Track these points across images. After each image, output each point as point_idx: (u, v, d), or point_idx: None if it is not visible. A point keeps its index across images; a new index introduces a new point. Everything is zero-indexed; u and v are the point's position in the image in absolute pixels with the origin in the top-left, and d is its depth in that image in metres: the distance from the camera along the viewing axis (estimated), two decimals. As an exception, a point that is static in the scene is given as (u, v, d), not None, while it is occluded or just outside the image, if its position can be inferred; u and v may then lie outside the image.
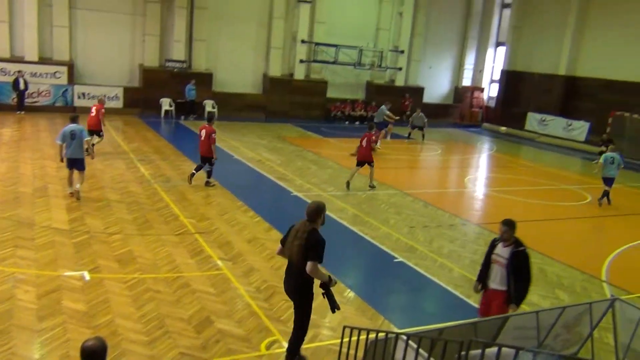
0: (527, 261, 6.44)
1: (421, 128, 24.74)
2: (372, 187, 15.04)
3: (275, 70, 27.76)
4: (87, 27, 24.04)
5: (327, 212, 12.23)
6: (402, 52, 30.35)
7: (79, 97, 23.50)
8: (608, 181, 15.28)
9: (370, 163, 14.90)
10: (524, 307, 8.32)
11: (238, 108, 26.59)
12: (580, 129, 26.97)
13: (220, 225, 11.04)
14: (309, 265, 5.78)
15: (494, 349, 4.08)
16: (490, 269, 6.56)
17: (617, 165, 15.23)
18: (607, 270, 10.47)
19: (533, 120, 29.28)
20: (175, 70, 25.20)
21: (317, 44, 27.98)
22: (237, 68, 27.30)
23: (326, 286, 5.88)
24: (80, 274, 8.19)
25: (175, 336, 6.72)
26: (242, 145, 19.73)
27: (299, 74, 28.11)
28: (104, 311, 7.16)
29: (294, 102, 27.81)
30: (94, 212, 11.10)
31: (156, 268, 8.69)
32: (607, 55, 26.35)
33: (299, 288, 6.06)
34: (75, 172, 11.84)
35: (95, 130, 15.80)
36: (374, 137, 15.36)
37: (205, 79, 25.71)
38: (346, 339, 5.85)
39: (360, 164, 14.91)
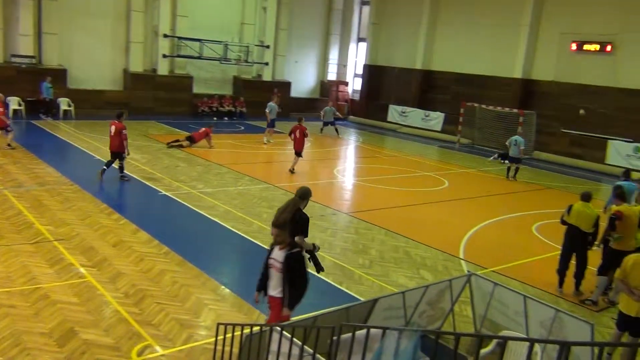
0: (300, 263, 6.10)
1: (332, 123, 25.17)
2: (291, 171, 16.79)
3: (137, 66, 26.59)
4: None
5: (198, 210, 12.11)
6: (268, 47, 30.46)
7: None
8: (513, 159, 18.81)
9: (300, 153, 16.81)
10: (391, 288, 8.77)
11: (98, 106, 25.10)
12: (436, 119, 28.88)
13: (82, 230, 10.36)
14: (296, 238, 6.44)
15: (364, 331, 4.23)
16: (270, 274, 6.16)
17: (518, 146, 18.48)
18: (464, 248, 11.33)
19: (394, 112, 30.83)
20: (23, 66, 23.20)
21: (181, 38, 27.21)
22: (95, 63, 25.79)
23: (311, 252, 6.69)
24: None
25: (35, 352, 6.21)
26: (103, 144, 18.61)
27: (163, 69, 27.16)
28: (-52, 334, 6.43)
29: (158, 99, 26.82)
30: None
31: (9, 281, 7.95)
32: (457, 51, 28.48)
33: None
34: None
35: (2, 127, 16.46)
36: (306, 132, 16.93)
37: (58, 76, 23.94)
38: (221, 337, 5.77)
39: (298, 153, 16.82)
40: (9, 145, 16.58)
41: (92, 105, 24.91)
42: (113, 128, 13.81)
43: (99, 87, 25.78)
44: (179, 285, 8.33)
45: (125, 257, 9.26)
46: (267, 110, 22.35)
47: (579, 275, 9.25)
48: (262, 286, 6.24)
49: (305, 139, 17.01)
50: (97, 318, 7.13)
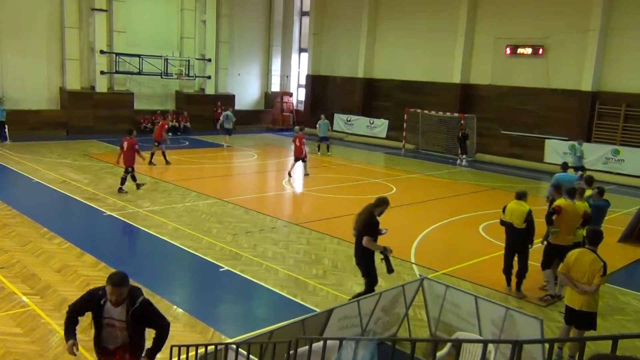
0: (153, 308, 5.07)
1: (326, 139, 24.44)
2: (306, 174, 18.58)
3: (74, 84, 25.82)
4: None
5: (145, 230, 11.82)
6: (210, 60, 30.21)
7: None
8: (578, 168, 18.61)
9: (304, 159, 18.40)
10: (346, 297, 8.78)
11: (34, 126, 24.24)
12: (381, 126, 29.29)
13: (23, 257, 9.93)
14: (364, 239, 7.74)
15: (320, 343, 4.21)
16: (109, 335, 5.08)
17: (577, 155, 18.70)
18: (415, 252, 11.49)
19: (340, 121, 31.08)
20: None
21: (118, 54, 26.61)
22: (28, 83, 24.91)
23: (384, 254, 7.72)
24: None
25: (-24, 390, 5.89)
26: (42, 166, 18.00)
27: (102, 86, 26.48)
28: None
29: (98, 117, 26.11)
30: None
31: (-55, 316, 7.53)
32: (397, 59, 29.04)
33: (359, 255, 8.08)
34: None
35: None
36: (304, 140, 18.51)
37: (-10, 97, 23.01)
38: (175, 359, 5.63)
39: (297, 159, 18.38)
40: None
41: (28, 126, 24.04)
42: (126, 144, 14.91)
43: (35, 107, 24.91)
44: (129, 308, 8.07)
45: (70, 282, 8.92)
46: (231, 120, 23.98)
47: (521, 275, 9.35)
48: (71, 335, 5.00)
49: (303, 146, 18.39)
50: (43, 348, 6.83)
